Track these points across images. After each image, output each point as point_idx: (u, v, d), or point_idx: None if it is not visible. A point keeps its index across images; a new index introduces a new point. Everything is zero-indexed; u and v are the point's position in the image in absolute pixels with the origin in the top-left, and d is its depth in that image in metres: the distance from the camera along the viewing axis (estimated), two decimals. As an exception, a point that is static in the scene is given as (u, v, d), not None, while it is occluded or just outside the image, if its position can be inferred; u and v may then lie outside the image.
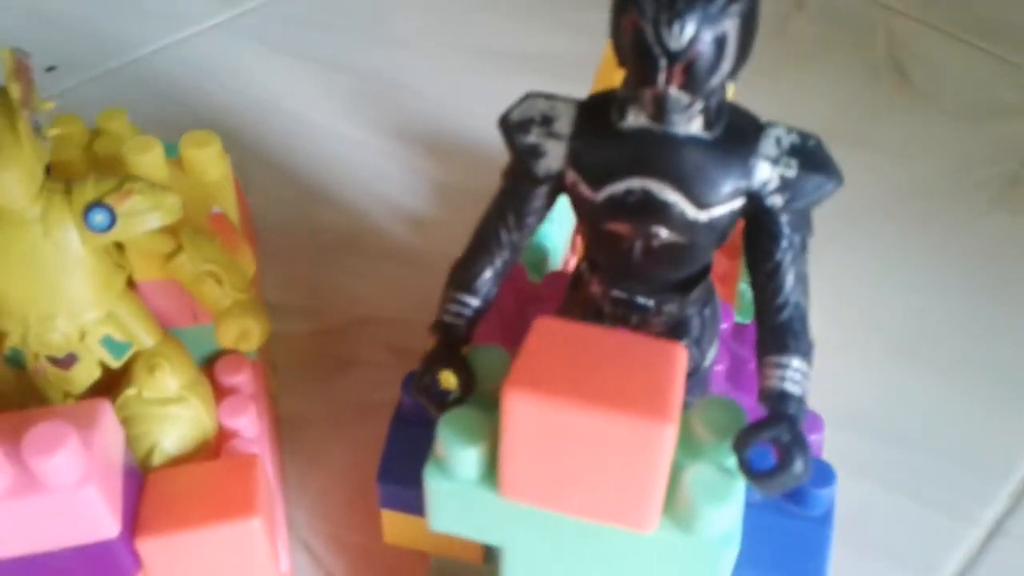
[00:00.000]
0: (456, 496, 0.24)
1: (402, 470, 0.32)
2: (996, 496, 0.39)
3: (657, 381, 0.21)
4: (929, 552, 0.37)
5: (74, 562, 0.27)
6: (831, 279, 0.45)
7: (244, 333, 0.31)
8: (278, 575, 0.31)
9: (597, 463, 0.21)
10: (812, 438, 0.31)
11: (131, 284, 0.33)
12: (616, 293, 0.25)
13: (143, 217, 0.30)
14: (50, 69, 0.60)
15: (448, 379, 0.24)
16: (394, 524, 0.34)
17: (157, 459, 0.31)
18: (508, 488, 0.23)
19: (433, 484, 0.24)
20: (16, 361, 0.32)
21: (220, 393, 0.35)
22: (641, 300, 0.25)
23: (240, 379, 0.35)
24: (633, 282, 0.25)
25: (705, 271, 0.26)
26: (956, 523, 0.38)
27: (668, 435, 0.20)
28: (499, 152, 0.25)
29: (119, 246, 0.32)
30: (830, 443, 0.35)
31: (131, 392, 0.32)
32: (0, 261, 0.29)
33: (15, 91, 0.27)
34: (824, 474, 0.30)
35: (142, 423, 0.32)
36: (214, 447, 0.33)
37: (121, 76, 0.59)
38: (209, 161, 0.34)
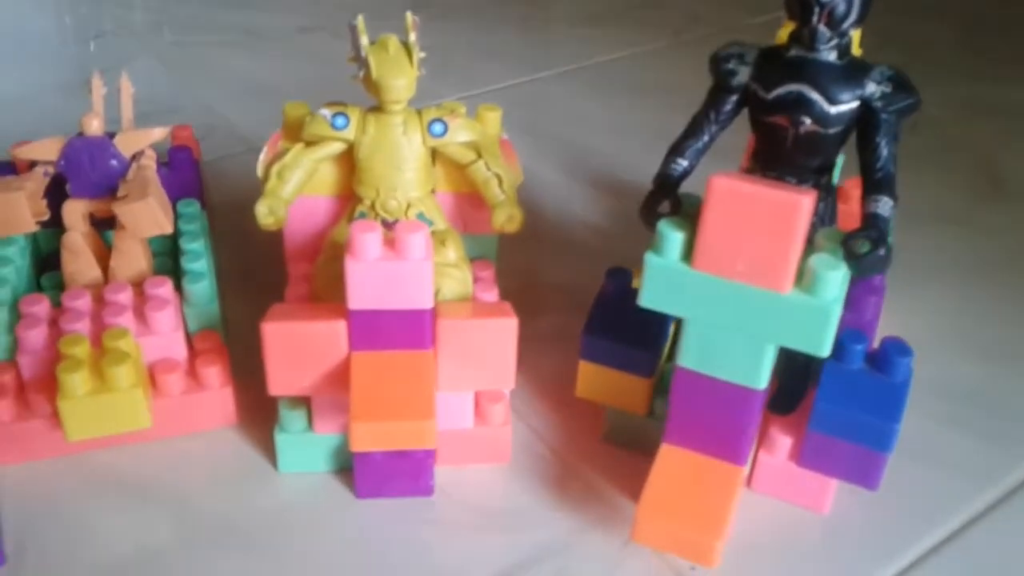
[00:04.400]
0: (663, 272, 0.38)
1: (602, 328, 0.46)
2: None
3: (801, 191, 0.35)
4: (992, 466, 0.48)
5: (397, 321, 0.42)
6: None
7: (510, 218, 0.47)
8: (513, 379, 0.45)
9: (759, 235, 0.35)
10: (871, 299, 0.45)
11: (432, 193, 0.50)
12: (771, 175, 0.40)
13: (461, 131, 0.47)
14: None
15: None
16: (587, 376, 0.47)
17: (439, 299, 0.47)
18: (699, 261, 0.37)
19: (650, 262, 0.38)
20: (359, 223, 0.48)
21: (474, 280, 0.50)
22: (788, 179, 0.40)
23: (485, 273, 0.51)
24: (784, 166, 0.40)
25: (830, 166, 0.40)
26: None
27: (805, 205, 0.34)
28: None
29: (434, 159, 0.48)
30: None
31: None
32: (374, 147, 0.46)
33: (413, 37, 0.45)
34: (903, 349, 0.42)
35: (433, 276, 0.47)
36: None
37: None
38: (494, 119, 0.51)
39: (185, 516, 0.45)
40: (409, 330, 0.43)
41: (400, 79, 0.44)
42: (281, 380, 0.43)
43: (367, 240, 0.40)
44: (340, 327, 0.42)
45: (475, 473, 0.48)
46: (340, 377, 0.43)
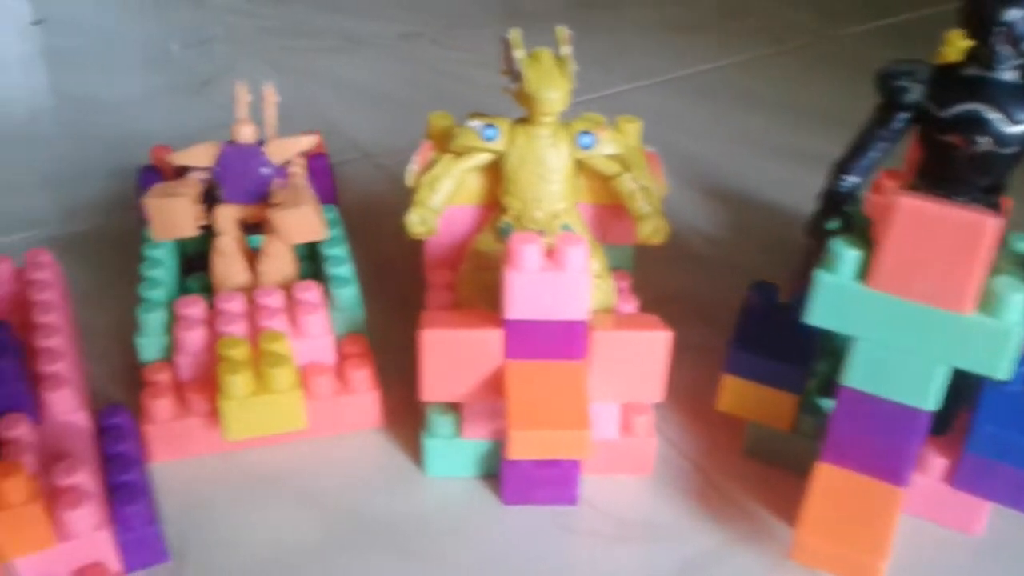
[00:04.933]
0: (835, 290, 0.38)
1: (751, 342, 0.46)
2: None
3: (985, 212, 0.35)
4: None
5: (553, 331, 0.42)
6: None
7: (656, 230, 0.48)
8: (661, 392, 0.45)
9: (943, 256, 0.35)
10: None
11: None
12: (939, 193, 0.40)
13: (608, 144, 0.47)
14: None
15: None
16: (732, 390, 0.47)
17: (585, 308, 0.47)
18: (876, 280, 0.37)
19: (821, 280, 0.38)
20: (504, 234, 0.48)
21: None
22: (958, 198, 0.39)
23: (623, 284, 0.52)
24: (954, 184, 0.40)
25: (1001, 185, 0.40)
26: None
27: (991, 226, 0.34)
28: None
29: (578, 171, 0.49)
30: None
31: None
32: (523, 158, 0.47)
33: (567, 50, 0.45)
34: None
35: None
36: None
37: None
38: (634, 130, 0.51)
39: (335, 516, 0.46)
40: (564, 340, 0.43)
41: (555, 92, 0.45)
42: (435, 386, 0.44)
43: (528, 251, 0.41)
44: (496, 336, 0.43)
45: (617, 484, 0.48)
46: (492, 384, 0.44)
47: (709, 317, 0.58)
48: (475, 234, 0.50)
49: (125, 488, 0.42)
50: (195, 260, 0.55)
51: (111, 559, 0.39)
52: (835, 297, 0.38)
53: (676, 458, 0.49)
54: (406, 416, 0.51)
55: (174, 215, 0.46)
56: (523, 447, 0.41)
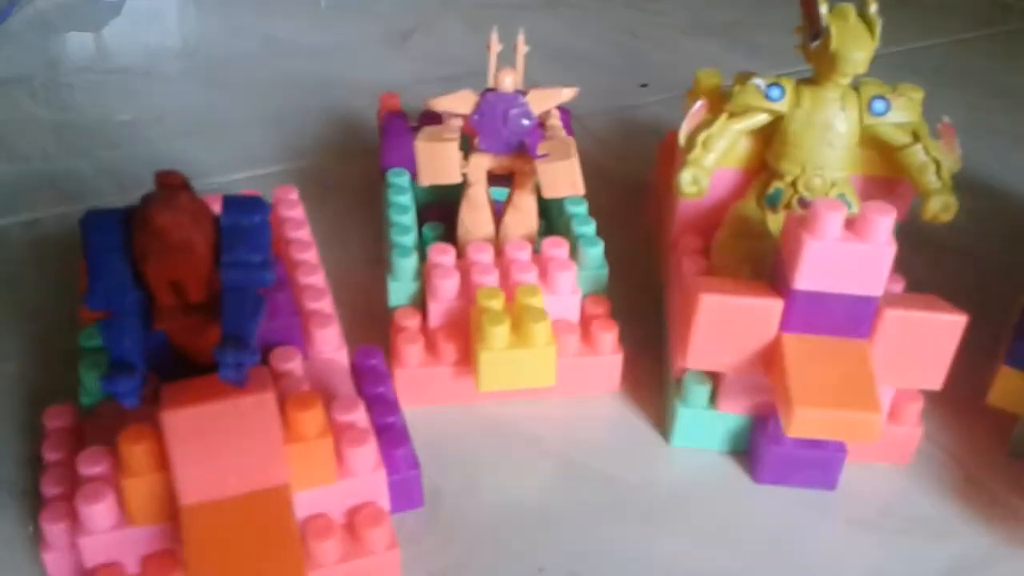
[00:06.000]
0: None
1: (1036, 333, 0.43)
2: None
3: None
4: None
5: (842, 306, 0.40)
6: None
7: (946, 207, 0.44)
8: (942, 379, 0.42)
9: None
10: None
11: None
12: None
13: (901, 111, 0.44)
14: (643, 86, 0.80)
15: None
16: (1009, 384, 0.44)
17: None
18: None
19: None
20: (772, 201, 0.46)
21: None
22: None
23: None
24: None
25: None
26: None
27: None
28: None
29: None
30: None
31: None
32: (807, 121, 0.44)
33: (875, 7, 0.42)
34: None
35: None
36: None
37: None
38: (918, 100, 0.47)
39: (579, 476, 0.45)
40: (853, 317, 0.40)
41: (860, 52, 0.42)
42: (702, 353, 0.42)
43: (831, 219, 0.38)
44: (776, 307, 0.41)
45: (872, 472, 0.45)
46: (761, 357, 0.42)
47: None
48: (736, 199, 0.48)
49: (390, 430, 0.42)
50: (423, 209, 0.55)
51: (383, 500, 0.39)
52: None
53: (935, 451, 0.47)
54: (639, 384, 0.49)
55: (445, 160, 0.46)
56: (805, 425, 0.39)
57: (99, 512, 0.34)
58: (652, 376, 0.50)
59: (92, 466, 0.36)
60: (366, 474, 0.38)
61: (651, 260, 0.58)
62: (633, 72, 0.83)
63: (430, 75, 0.79)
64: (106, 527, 0.35)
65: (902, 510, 0.44)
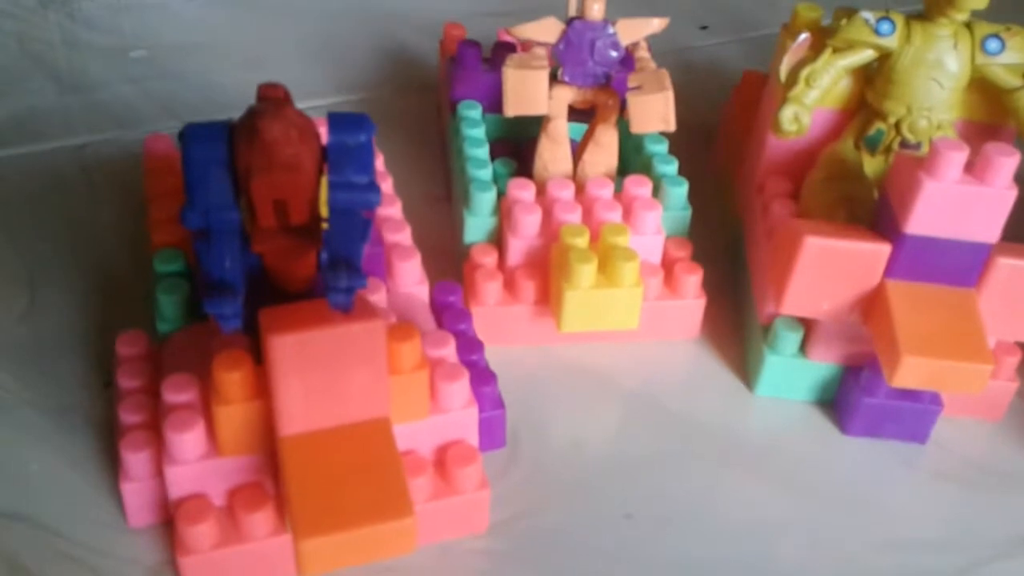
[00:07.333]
0: None
1: None
2: None
3: None
4: None
5: (953, 253, 0.38)
6: None
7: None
8: None
9: None
10: None
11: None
12: None
13: (1017, 52, 0.42)
14: (703, 28, 0.77)
15: None
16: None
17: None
18: None
19: None
20: (872, 143, 0.44)
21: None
22: None
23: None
24: None
25: None
26: None
27: None
28: None
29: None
30: None
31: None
32: (917, 58, 0.42)
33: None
34: None
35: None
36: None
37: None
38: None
39: (663, 420, 0.43)
40: (962, 264, 0.39)
41: None
42: (800, 299, 0.41)
43: (952, 160, 0.37)
44: (883, 252, 0.39)
45: (962, 426, 0.44)
46: (860, 304, 0.40)
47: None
48: (829, 141, 0.46)
49: (476, 368, 0.40)
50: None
51: (473, 439, 0.38)
52: None
53: (1025, 407, 0.45)
54: (716, 331, 0.48)
55: (535, 89, 0.44)
56: (911, 375, 0.38)
57: (188, 441, 0.33)
58: (728, 323, 0.48)
59: (179, 393, 0.34)
60: (458, 411, 0.37)
61: (719, 206, 0.56)
62: (694, 13, 0.80)
63: (484, 8, 0.76)
64: (195, 457, 0.33)
65: (991, 465, 0.43)
